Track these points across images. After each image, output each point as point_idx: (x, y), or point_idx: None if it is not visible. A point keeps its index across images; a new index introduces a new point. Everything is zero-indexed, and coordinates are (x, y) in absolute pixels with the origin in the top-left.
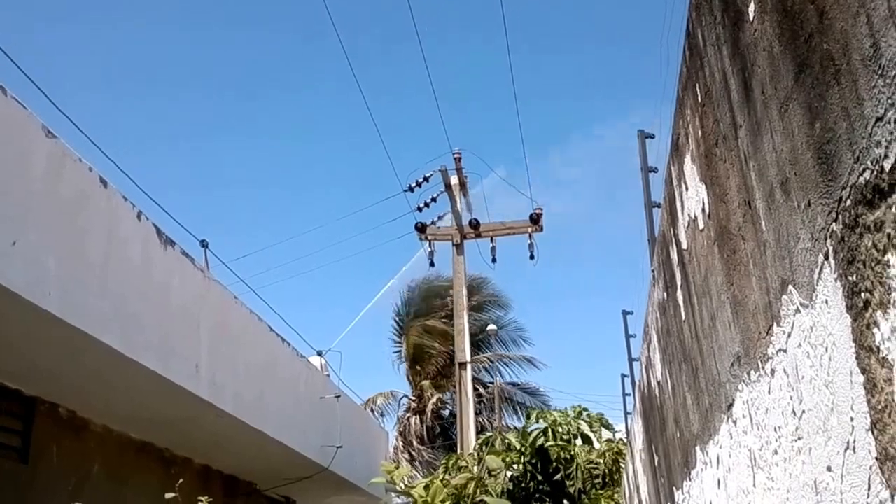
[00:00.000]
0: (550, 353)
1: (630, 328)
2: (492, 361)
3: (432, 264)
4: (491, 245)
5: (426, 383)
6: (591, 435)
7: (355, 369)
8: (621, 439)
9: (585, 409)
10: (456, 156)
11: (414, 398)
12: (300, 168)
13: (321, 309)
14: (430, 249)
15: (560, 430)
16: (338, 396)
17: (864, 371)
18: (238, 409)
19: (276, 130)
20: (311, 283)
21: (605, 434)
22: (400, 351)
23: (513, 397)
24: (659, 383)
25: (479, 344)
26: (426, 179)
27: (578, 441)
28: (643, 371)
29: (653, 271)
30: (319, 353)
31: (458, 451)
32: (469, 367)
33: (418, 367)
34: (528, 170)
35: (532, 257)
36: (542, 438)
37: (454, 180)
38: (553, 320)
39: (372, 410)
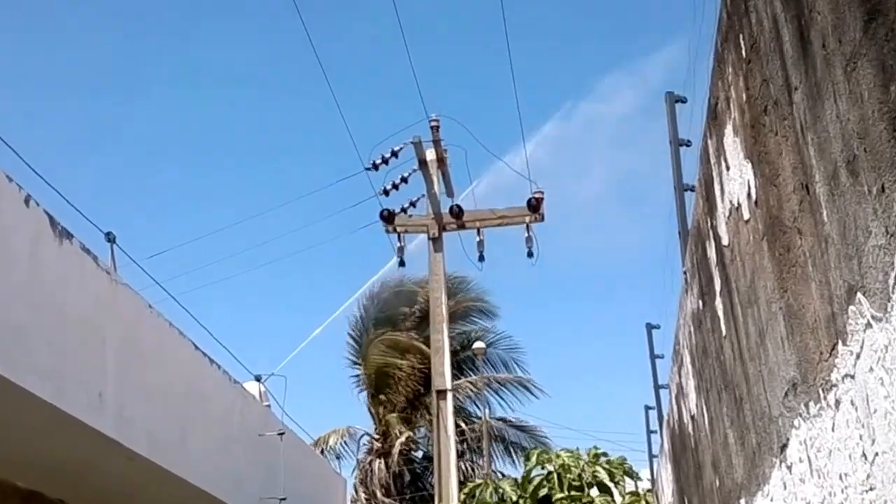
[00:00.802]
0: (552, 377)
1: (657, 347)
2: (477, 388)
3: (402, 263)
4: (477, 238)
5: (392, 417)
6: (611, 485)
7: (305, 399)
8: (648, 490)
9: (604, 454)
10: (433, 123)
11: (377, 436)
12: (239, 136)
13: (263, 322)
14: (399, 244)
15: (570, 476)
16: (281, 434)
17: None
18: (153, 451)
19: (204, 81)
20: (249, 287)
21: (629, 484)
22: (359, 375)
23: (504, 435)
24: (693, 417)
25: (460, 365)
26: (394, 154)
27: (594, 491)
28: (673, 402)
29: (685, 273)
30: (258, 379)
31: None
32: (450, 396)
33: (382, 397)
34: (524, 143)
35: (530, 254)
36: (547, 487)
37: (430, 155)
38: (556, 335)
39: (323, 452)
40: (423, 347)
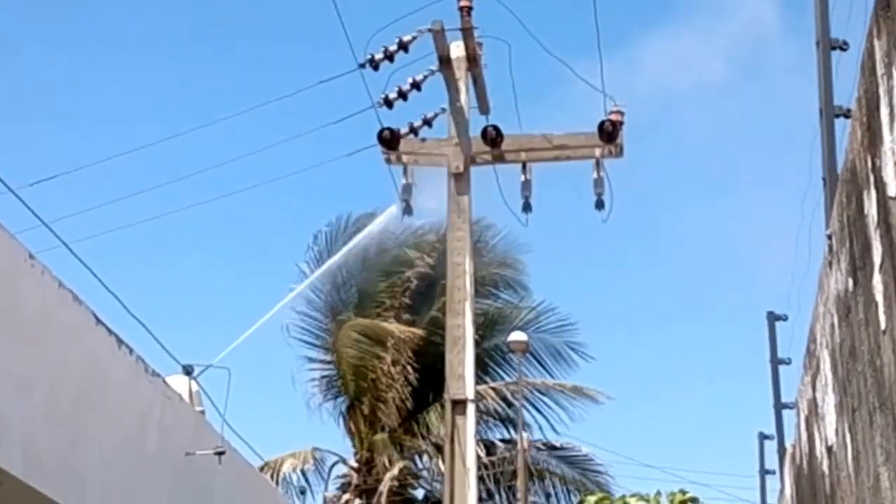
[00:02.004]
0: (620, 387)
1: (781, 347)
2: (513, 397)
3: (407, 209)
4: (522, 178)
5: (380, 438)
6: None
7: (256, 405)
8: None
9: (694, 499)
10: (463, 2)
11: (357, 465)
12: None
13: (200, 292)
14: (404, 181)
15: None
16: (220, 453)
17: None
18: (31, 471)
19: None
20: (180, 237)
21: None
22: (328, 377)
23: (546, 467)
24: (830, 449)
25: (482, 363)
26: (403, 47)
27: None
28: (801, 426)
29: (829, 238)
30: (188, 372)
31: None
32: (472, 409)
33: (364, 408)
34: (599, 44)
35: (600, 205)
36: None
37: (457, 51)
38: (629, 326)
39: (277, 479)
40: (428, 336)
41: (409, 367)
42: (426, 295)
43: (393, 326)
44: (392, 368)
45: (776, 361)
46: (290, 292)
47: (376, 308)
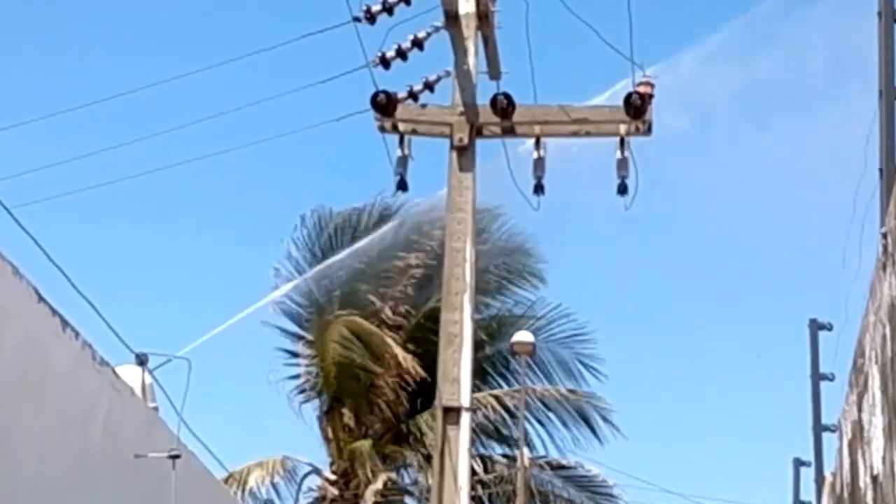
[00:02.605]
0: (637, 402)
1: (824, 360)
2: (509, 408)
3: (402, 184)
4: (535, 154)
5: (362, 447)
6: None
7: (219, 405)
8: None
9: None
10: None
11: (334, 477)
12: None
13: (172, 273)
14: (400, 152)
15: None
16: (175, 456)
17: None
18: None
19: None
20: (151, 210)
21: None
22: (305, 375)
23: (550, 488)
24: (876, 478)
25: (481, 367)
26: None
27: None
28: (844, 451)
29: (883, 236)
30: (141, 362)
31: None
32: (466, 418)
33: (345, 412)
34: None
35: (623, 189)
36: None
37: (466, 6)
38: (648, 330)
39: (243, 491)
40: (423, 337)
41: (400, 370)
42: (426, 286)
43: (395, 346)
44: (382, 371)
45: (817, 377)
46: (273, 272)
47: (368, 295)
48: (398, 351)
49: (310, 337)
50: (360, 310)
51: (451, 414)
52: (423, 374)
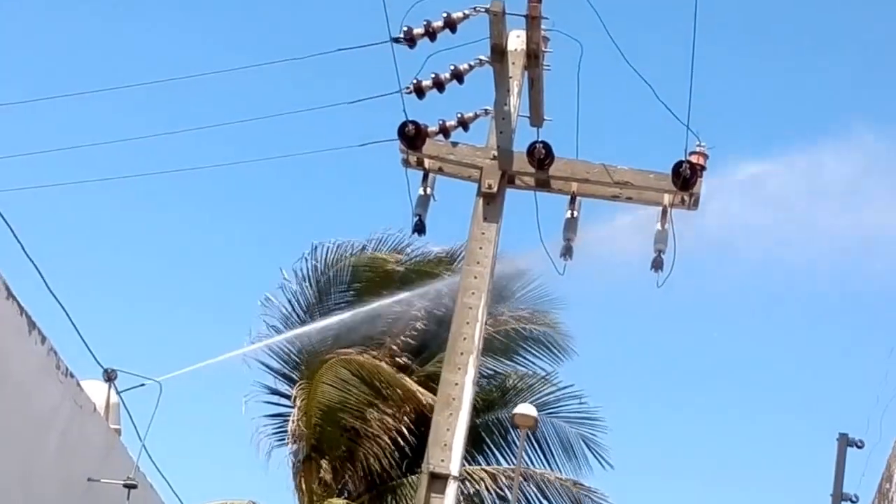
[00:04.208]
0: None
1: (849, 481)
2: (506, 481)
3: (420, 228)
4: (569, 213)
5: None
6: None
7: (188, 435)
8: None
9: None
10: None
11: None
12: None
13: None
14: (423, 190)
15: None
16: (131, 486)
17: None
18: None
19: None
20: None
21: None
22: (289, 417)
23: None
24: None
25: (479, 436)
26: (449, 26)
27: None
28: None
29: None
30: (109, 378)
31: None
32: (453, 487)
33: (324, 463)
34: (693, 56)
35: (658, 265)
36: None
37: (515, 42)
38: (666, 422)
39: None
40: (418, 391)
41: (394, 422)
42: (432, 339)
43: (386, 370)
44: (375, 421)
45: (839, 496)
46: (264, 302)
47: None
48: (411, 384)
49: (296, 376)
50: (361, 346)
51: (438, 482)
52: (424, 395)
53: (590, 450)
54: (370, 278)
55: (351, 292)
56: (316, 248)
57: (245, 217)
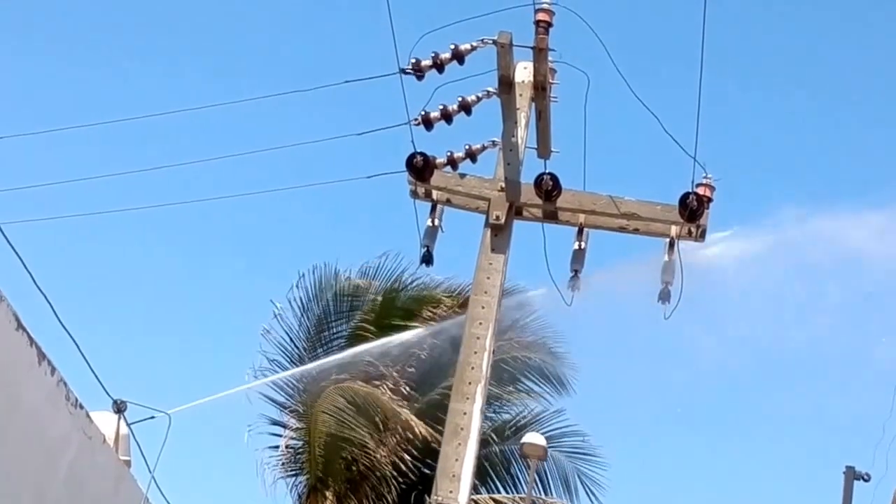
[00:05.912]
0: None
1: None
2: None
3: (427, 259)
4: (576, 245)
5: None
6: None
7: (198, 466)
8: None
9: None
10: (540, 17)
11: None
12: None
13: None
14: (431, 222)
15: None
16: None
17: None
18: None
19: None
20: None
21: None
22: (291, 447)
23: None
24: None
25: (484, 467)
26: (457, 57)
27: None
28: None
29: None
30: (119, 409)
31: None
32: None
33: (329, 495)
34: (700, 89)
35: (665, 297)
36: None
37: (523, 74)
38: (669, 461)
39: None
40: (416, 425)
41: (399, 453)
42: (435, 370)
43: (387, 401)
44: (378, 452)
45: None
46: (263, 333)
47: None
48: (409, 417)
49: (296, 406)
50: (361, 374)
51: None
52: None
53: (584, 485)
54: (371, 308)
55: (352, 323)
56: (304, 275)
57: (253, 249)
